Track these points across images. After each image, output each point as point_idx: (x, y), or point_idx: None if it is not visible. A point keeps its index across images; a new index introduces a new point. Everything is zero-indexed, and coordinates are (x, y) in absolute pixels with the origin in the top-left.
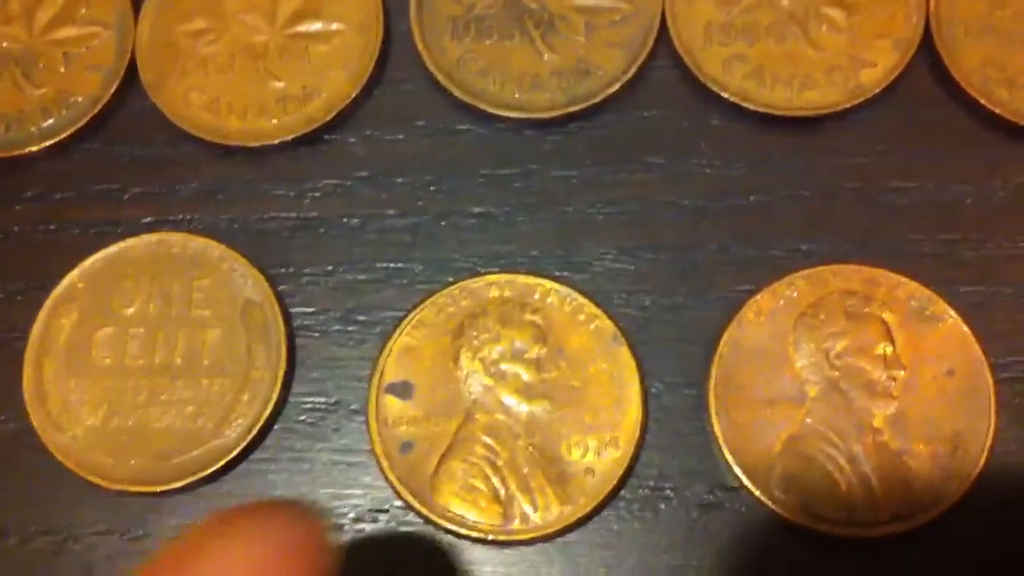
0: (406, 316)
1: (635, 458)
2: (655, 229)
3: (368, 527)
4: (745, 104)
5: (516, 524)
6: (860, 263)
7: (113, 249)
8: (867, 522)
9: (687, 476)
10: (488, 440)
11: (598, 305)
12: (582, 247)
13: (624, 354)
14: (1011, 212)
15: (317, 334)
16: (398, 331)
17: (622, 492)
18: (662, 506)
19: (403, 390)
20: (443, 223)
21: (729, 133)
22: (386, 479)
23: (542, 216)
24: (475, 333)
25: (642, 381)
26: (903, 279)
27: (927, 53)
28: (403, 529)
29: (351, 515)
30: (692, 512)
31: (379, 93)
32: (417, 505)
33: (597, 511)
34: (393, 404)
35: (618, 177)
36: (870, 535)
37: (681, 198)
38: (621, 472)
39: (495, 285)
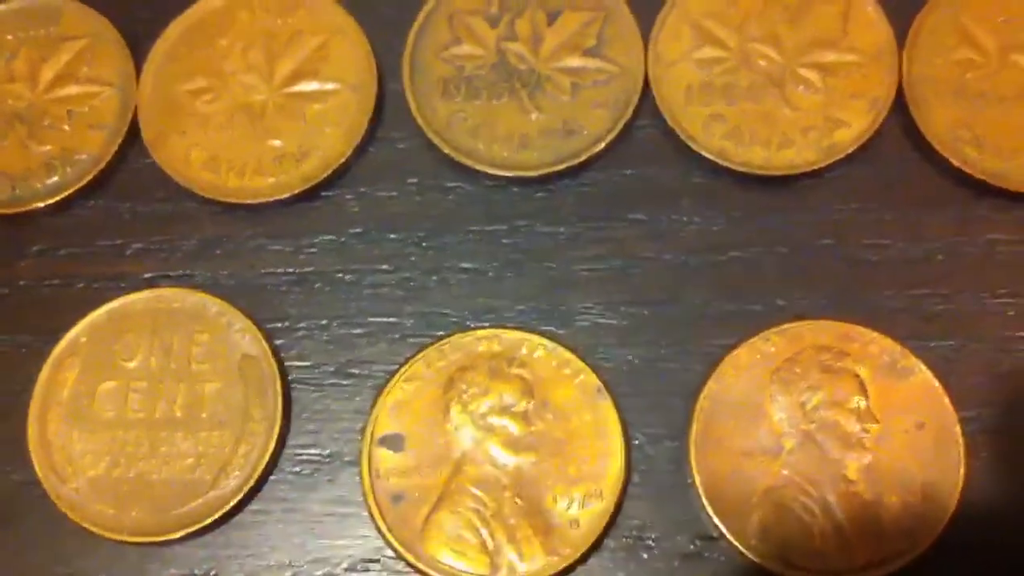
0: (398, 370)
1: (618, 509)
2: (637, 284)
3: None
4: (724, 163)
5: (503, 574)
6: (835, 318)
7: (115, 304)
8: (840, 570)
9: (669, 526)
10: (477, 491)
11: (582, 359)
12: (567, 302)
13: (607, 407)
14: (979, 268)
15: (312, 387)
16: (390, 384)
17: (606, 542)
18: (644, 555)
19: (395, 442)
20: (434, 278)
21: (709, 191)
22: (377, 530)
23: (529, 271)
24: (464, 387)
25: (625, 433)
26: (875, 334)
27: (900, 114)
28: None
29: (343, 565)
30: (674, 561)
31: (373, 151)
32: (407, 555)
33: (581, 561)
34: (385, 456)
35: (602, 233)
36: None
37: (663, 254)
38: (604, 523)
39: (484, 340)
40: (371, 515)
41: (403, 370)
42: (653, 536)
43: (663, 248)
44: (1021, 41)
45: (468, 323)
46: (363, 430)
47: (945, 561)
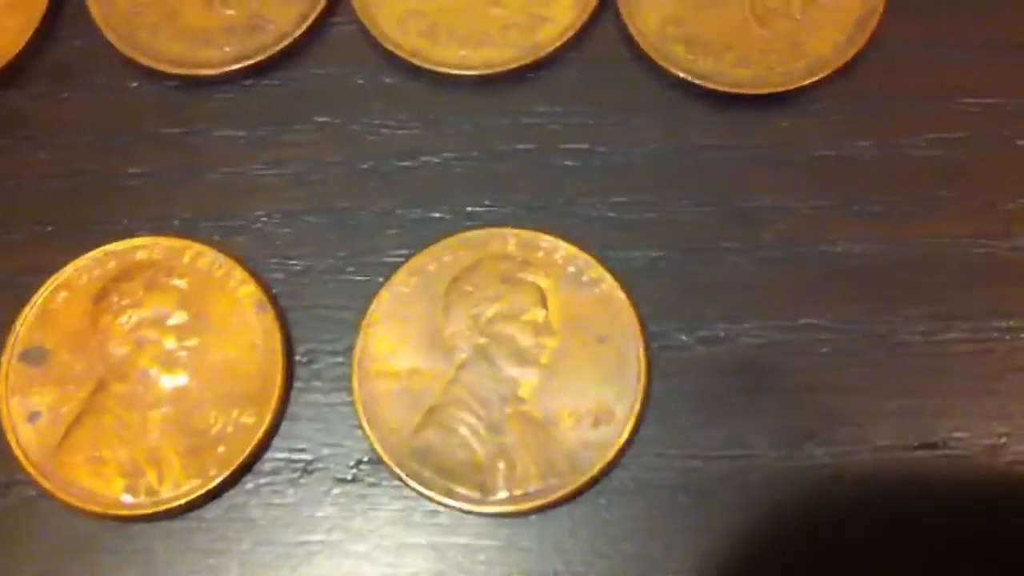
0: (47, 279)
1: (274, 429)
2: (319, 191)
3: None
4: (417, 62)
5: (140, 497)
6: (526, 228)
7: None
8: (504, 499)
9: (327, 449)
10: (119, 410)
11: (249, 269)
12: (242, 209)
13: (270, 320)
14: (685, 175)
15: None
16: (37, 294)
17: (257, 465)
18: (301, 479)
19: (37, 356)
20: (104, 184)
21: (402, 93)
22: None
23: (204, 177)
24: (117, 298)
25: (287, 349)
26: (562, 243)
27: (612, 12)
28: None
29: None
30: (331, 487)
31: (47, 50)
32: (37, 477)
33: (229, 485)
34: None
35: (285, 137)
36: (507, 511)
37: (348, 159)
38: (255, 443)
39: (143, 248)
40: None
41: (53, 280)
42: (308, 459)
43: (349, 153)
44: None
45: (137, 231)
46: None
47: (610, 498)
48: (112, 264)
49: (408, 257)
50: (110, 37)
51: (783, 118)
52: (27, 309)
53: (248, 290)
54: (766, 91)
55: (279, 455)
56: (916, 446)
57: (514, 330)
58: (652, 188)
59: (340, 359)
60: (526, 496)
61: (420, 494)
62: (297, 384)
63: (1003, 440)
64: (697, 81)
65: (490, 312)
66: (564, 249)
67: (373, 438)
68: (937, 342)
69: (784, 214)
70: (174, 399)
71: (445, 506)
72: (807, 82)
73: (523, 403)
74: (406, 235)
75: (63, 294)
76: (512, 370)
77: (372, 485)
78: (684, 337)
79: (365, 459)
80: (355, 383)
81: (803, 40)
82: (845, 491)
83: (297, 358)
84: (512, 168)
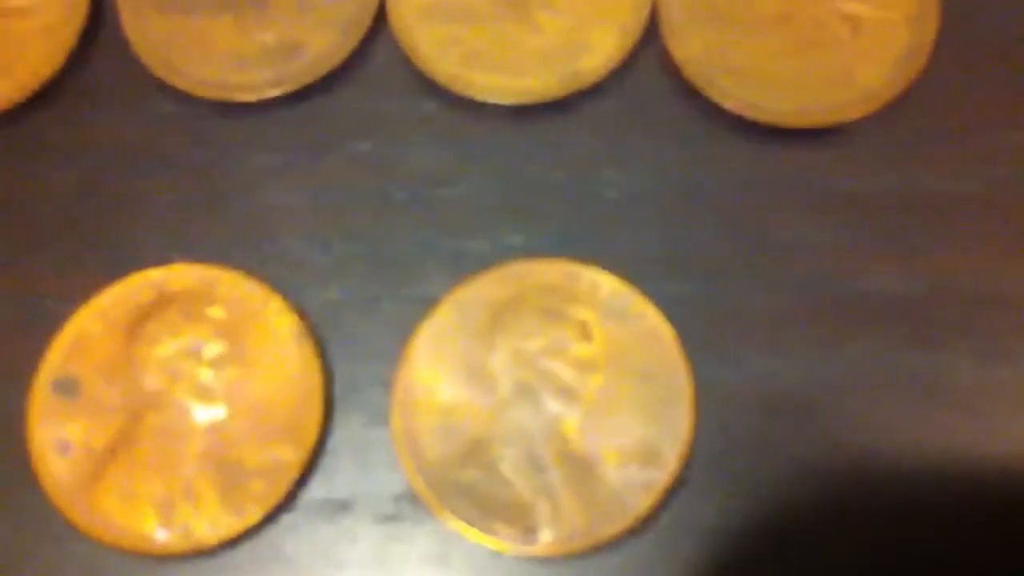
0: (77, 306)
1: (311, 465)
2: (354, 220)
3: None
4: (457, 91)
5: (176, 533)
6: (566, 260)
7: None
8: (548, 541)
9: (368, 485)
10: (154, 443)
11: (286, 299)
12: (275, 237)
13: (308, 352)
14: (727, 208)
15: None
16: (70, 322)
17: (296, 502)
18: (340, 517)
19: (69, 387)
20: (134, 209)
21: (441, 120)
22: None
23: (236, 203)
24: (153, 327)
25: (326, 383)
26: (605, 275)
27: (654, 42)
28: None
29: None
30: (371, 524)
31: (79, 71)
32: (68, 511)
33: (268, 521)
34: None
35: (319, 164)
36: (551, 552)
37: (384, 187)
38: (292, 478)
39: (174, 276)
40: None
41: (87, 308)
42: (346, 496)
43: (385, 181)
44: None
45: (170, 257)
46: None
47: (666, 528)
48: (148, 292)
49: (447, 288)
50: (144, 59)
51: (826, 151)
52: (60, 339)
53: (286, 320)
54: (811, 124)
55: (317, 491)
56: (963, 492)
57: (557, 365)
58: (694, 220)
59: (379, 392)
60: (570, 537)
61: (460, 533)
62: (335, 418)
63: None
64: (741, 112)
65: (533, 347)
66: (607, 282)
67: (412, 474)
68: (985, 380)
69: (824, 248)
70: (210, 432)
71: (486, 546)
72: (856, 116)
73: (567, 441)
74: (444, 266)
75: (97, 323)
76: (555, 406)
77: (411, 523)
78: (729, 374)
79: (404, 496)
80: (394, 417)
81: (853, 71)
82: (893, 532)
83: (335, 391)
84: (551, 199)
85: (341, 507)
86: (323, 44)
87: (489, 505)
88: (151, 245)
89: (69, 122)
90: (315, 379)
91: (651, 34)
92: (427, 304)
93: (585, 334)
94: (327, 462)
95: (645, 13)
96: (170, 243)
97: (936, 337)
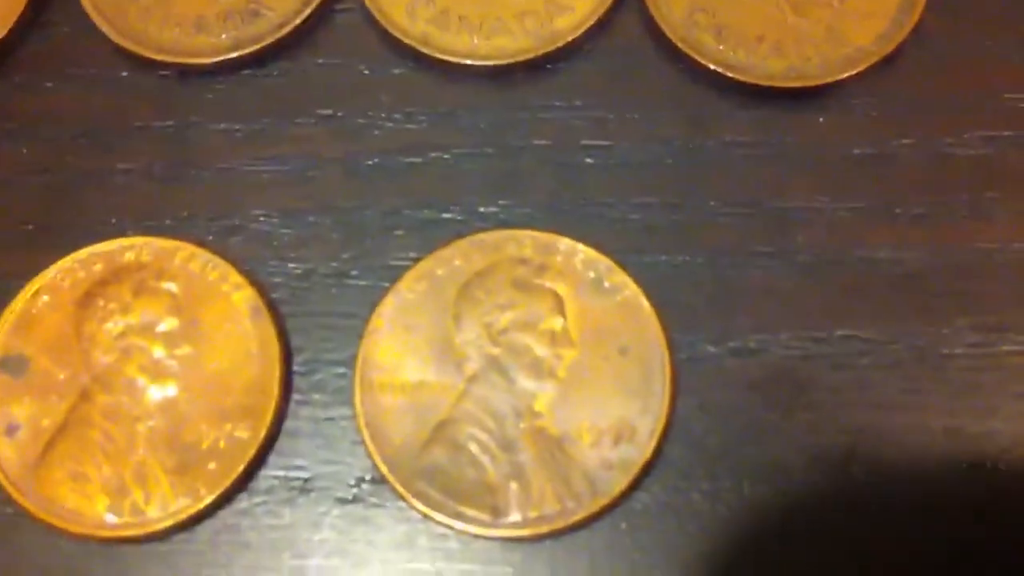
0: (27, 282)
1: (268, 445)
2: (320, 189)
3: None
4: (425, 50)
5: (124, 516)
6: (542, 229)
7: None
8: (517, 522)
9: (327, 466)
10: (104, 423)
11: (245, 274)
12: (239, 208)
13: (266, 327)
14: (712, 174)
15: None
16: (17, 299)
17: (252, 483)
18: (297, 499)
19: (17, 365)
20: (90, 180)
21: (411, 84)
22: None
23: (199, 173)
24: (103, 303)
25: (285, 359)
26: (582, 246)
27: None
28: None
29: None
30: (330, 506)
31: (33, 37)
32: (16, 495)
33: (221, 504)
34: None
35: (285, 131)
36: (521, 535)
37: (353, 155)
38: (248, 459)
39: (130, 249)
40: None
41: (34, 283)
42: (306, 477)
43: (353, 149)
44: None
45: (127, 230)
46: None
47: (638, 520)
48: (98, 266)
49: (416, 260)
50: (99, 24)
51: (819, 113)
52: (6, 314)
53: (244, 295)
54: (801, 84)
55: (275, 472)
56: (965, 467)
57: (529, 340)
58: (678, 188)
59: (342, 370)
60: (541, 519)
61: (426, 516)
62: (295, 396)
63: None
64: (727, 73)
65: (504, 320)
66: (583, 253)
67: (376, 455)
68: (986, 355)
69: (819, 216)
70: (163, 411)
71: (453, 529)
72: (846, 75)
73: (539, 418)
74: (414, 237)
75: (45, 298)
76: (527, 383)
77: (375, 506)
78: (712, 348)
79: (367, 478)
80: (357, 396)
81: (842, 29)
82: (889, 516)
83: (296, 368)
84: (528, 166)
85: (301, 490)
86: (287, 5)
87: (456, 487)
88: (108, 219)
89: (22, 88)
90: (274, 355)
91: None
92: (394, 277)
93: (559, 307)
94: (286, 443)
95: None
96: (129, 216)
97: (935, 307)
